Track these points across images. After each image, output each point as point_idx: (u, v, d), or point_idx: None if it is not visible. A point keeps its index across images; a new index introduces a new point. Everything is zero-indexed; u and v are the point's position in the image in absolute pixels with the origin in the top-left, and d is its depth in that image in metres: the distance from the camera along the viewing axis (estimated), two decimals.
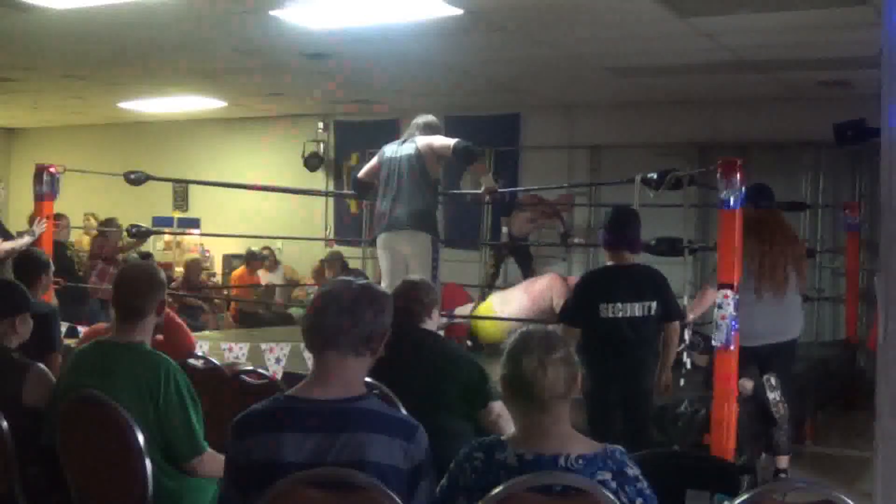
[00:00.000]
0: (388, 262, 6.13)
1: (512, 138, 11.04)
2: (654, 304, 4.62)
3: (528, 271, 9.27)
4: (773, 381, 5.31)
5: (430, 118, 6.29)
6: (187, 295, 10.06)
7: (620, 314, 4.60)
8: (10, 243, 6.71)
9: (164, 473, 3.08)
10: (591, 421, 4.59)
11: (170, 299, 4.06)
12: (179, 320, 4.29)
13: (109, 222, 9.84)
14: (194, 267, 10.83)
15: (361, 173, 6.66)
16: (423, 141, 6.09)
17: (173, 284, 9.83)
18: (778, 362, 5.46)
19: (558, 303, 7.23)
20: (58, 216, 8.44)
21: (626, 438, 3.89)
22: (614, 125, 10.39)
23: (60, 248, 8.54)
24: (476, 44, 7.60)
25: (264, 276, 11.07)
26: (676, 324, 4.77)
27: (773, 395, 5.32)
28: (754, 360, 5.37)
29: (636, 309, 4.60)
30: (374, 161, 6.43)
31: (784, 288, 5.41)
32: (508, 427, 3.22)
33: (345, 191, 12.27)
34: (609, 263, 4.85)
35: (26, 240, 6.58)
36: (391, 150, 6.25)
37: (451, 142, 6.05)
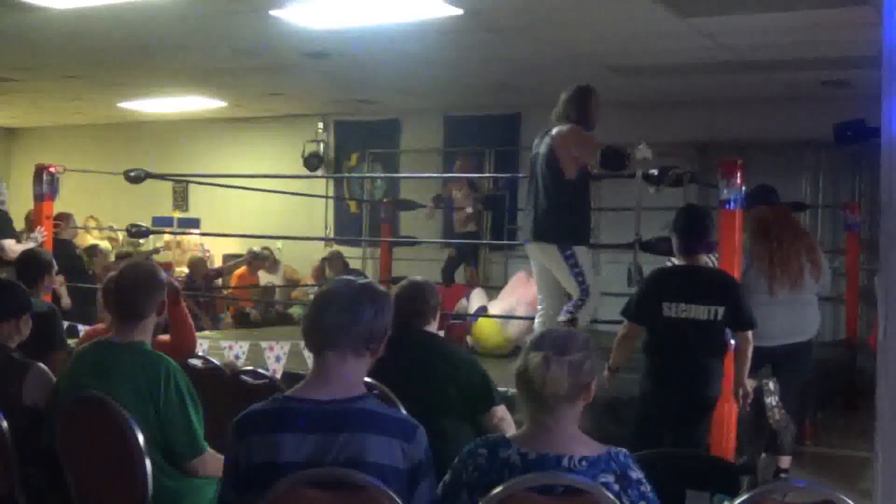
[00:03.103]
0: (534, 269, 5.71)
1: (512, 138, 11.04)
2: (720, 309, 4.37)
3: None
4: (770, 385, 5.28)
5: (576, 92, 5.46)
6: (199, 295, 10.05)
7: (684, 314, 4.37)
8: (19, 246, 6.75)
9: (164, 473, 3.08)
10: (639, 423, 4.46)
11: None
12: (191, 321, 4.27)
13: (94, 249, 9.81)
14: (198, 266, 10.82)
15: None
16: (558, 137, 5.34)
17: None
18: (792, 363, 5.39)
19: None
20: (63, 216, 8.47)
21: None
22: (614, 125, 10.34)
23: (69, 247, 8.55)
24: (476, 44, 7.60)
25: (264, 277, 11.07)
26: (749, 333, 4.50)
27: (769, 400, 5.28)
28: (767, 360, 5.35)
29: (701, 311, 4.36)
30: None
31: (801, 280, 5.34)
32: (511, 431, 3.22)
33: (344, 191, 12.35)
34: (680, 262, 4.64)
35: (30, 245, 6.62)
36: (536, 143, 5.53)
37: (590, 156, 5.37)
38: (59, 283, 7.90)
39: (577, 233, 5.43)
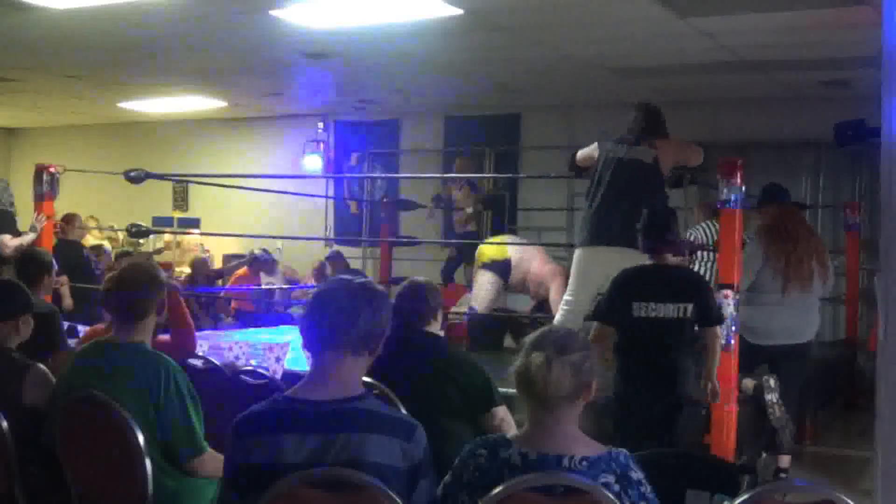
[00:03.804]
0: (580, 279, 5.57)
1: (512, 138, 11.04)
2: (689, 307, 4.41)
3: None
4: (771, 382, 5.29)
5: (651, 109, 5.60)
6: (200, 295, 10.04)
7: (654, 314, 4.42)
8: (17, 240, 6.75)
9: (164, 473, 3.08)
10: (618, 424, 4.45)
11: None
12: (191, 320, 4.28)
13: (98, 249, 9.82)
14: (200, 266, 10.79)
15: (580, 157, 5.87)
16: (663, 148, 5.46)
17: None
18: (789, 364, 5.43)
19: (553, 298, 7.33)
20: (70, 217, 8.49)
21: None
22: (614, 125, 10.36)
23: (76, 248, 8.57)
24: (476, 44, 7.60)
25: (264, 278, 11.06)
26: (717, 329, 4.55)
27: (769, 397, 5.29)
28: (766, 359, 5.38)
29: (670, 310, 4.41)
30: (591, 151, 5.72)
31: (810, 282, 5.40)
32: (511, 432, 3.22)
33: (344, 191, 12.36)
34: (647, 263, 4.68)
35: (31, 236, 6.62)
36: (618, 148, 5.52)
37: (698, 155, 5.60)
38: (62, 283, 7.95)
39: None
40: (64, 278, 7.96)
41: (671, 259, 4.67)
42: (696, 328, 4.53)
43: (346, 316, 2.43)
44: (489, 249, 7.75)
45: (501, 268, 7.56)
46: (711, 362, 4.59)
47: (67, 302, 7.95)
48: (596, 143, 5.70)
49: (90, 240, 10.93)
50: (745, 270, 5.17)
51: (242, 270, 11.03)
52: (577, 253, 5.67)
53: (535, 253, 7.84)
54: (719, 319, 4.56)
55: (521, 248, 7.82)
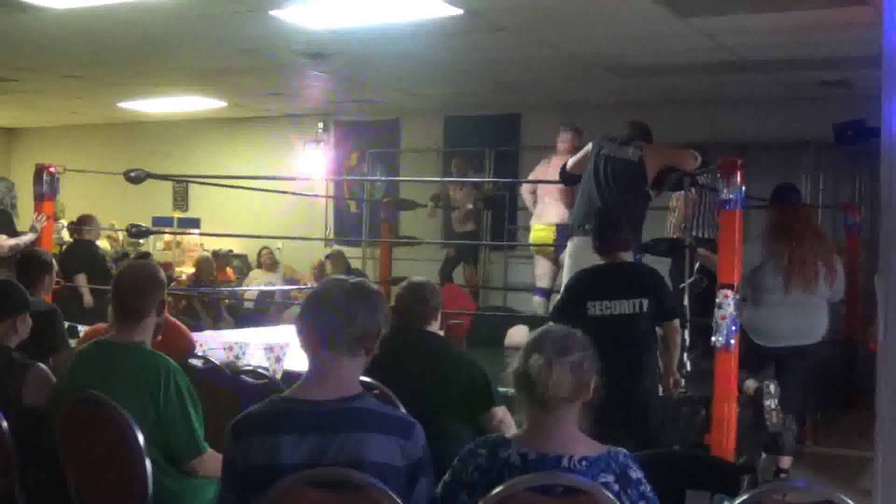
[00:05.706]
0: (576, 267, 5.55)
1: (512, 138, 11.04)
2: (645, 302, 4.49)
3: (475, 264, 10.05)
4: (771, 388, 5.28)
5: (643, 126, 6.05)
6: (197, 295, 10.03)
7: (609, 312, 4.48)
8: (14, 240, 6.77)
9: (164, 473, 3.09)
10: (592, 423, 4.53)
11: (170, 299, 4.06)
12: (174, 319, 4.29)
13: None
14: (206, 265, 10.78)
15: (571, 165, 6.22)
16: (650, 151, 5.77)
17: (173, 284, 9.81)
18: (796, 363, 5.43)
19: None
20: (86, 218, 8.54)
21: (636, 446, 3.85)
22: (614, 125, 10.35)
23: (93, 247, 8.62)
24: (476, 44, 7.59)
25: (264, 276, 11.07)
26: (676, 322, 4.63)
27: (768, 403, 5.30)
28: (772, 360, 5.37)
29: (625, 306, 4.49)
30: (583, 153, 6.06)
31: (815, 284, 5.39)
32: (511, 433, 3.23)
33: (344, 191, 12.35)
34: (600, 262, 4.78)
35: (30, 236, 6.64)
36: (609, 147, 5.81)
37: (692, 160, 5.84)
38: (81, 281, 8.04)
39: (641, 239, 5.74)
40: (83, 277, 8.06)
41: (624, 257, 4.77)
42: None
43: (342, 316, 2.43)
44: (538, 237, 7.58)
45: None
46: (671, 355, 4.67)
47: (88, 299, 8.05)
48: (589, 145, 6.00)
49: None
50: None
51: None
52: (570, 244, 5.80)
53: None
54: (676, 312, 4.64)
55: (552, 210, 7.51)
